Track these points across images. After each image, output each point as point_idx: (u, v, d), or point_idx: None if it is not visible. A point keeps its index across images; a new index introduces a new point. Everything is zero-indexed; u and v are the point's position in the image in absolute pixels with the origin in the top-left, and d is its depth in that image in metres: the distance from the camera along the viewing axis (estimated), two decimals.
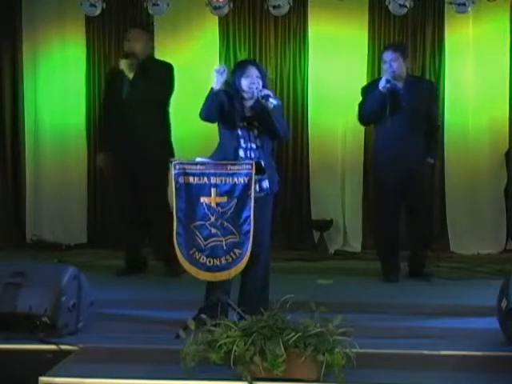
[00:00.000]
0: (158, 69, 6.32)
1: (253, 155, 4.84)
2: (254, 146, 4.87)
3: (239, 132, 4.87)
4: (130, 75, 6.17)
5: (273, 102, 4.77)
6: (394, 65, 6.05)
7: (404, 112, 6.03)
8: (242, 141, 4.86)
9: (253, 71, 4.89)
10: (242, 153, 4.86)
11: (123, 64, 6.21)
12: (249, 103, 4.91)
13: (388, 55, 6.11)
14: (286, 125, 5.20)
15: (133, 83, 6.19)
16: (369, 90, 6.20)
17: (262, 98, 4.79)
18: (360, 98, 6.25)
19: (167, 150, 6.19)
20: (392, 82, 5.98)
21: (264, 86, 4.86)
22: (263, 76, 4.92)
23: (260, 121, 4.84)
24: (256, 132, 4.87)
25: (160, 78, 6.27)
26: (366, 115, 6.21)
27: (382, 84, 5.96)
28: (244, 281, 4.87)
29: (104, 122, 6.74)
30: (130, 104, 6.21)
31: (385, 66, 6.13)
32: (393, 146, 6.10)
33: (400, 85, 6.08)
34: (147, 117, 6.22)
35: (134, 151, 6.19)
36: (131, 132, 6.20)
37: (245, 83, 4.87)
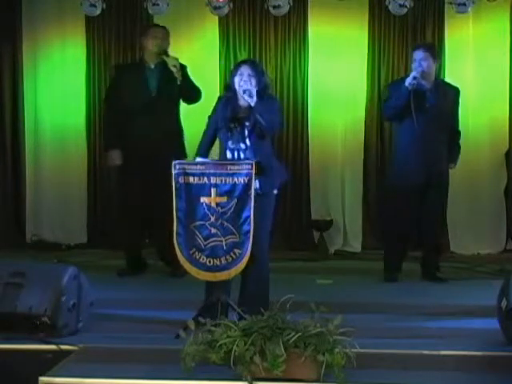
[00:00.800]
0: (184, 68, 6.27)
1: (242, 156, 4.82)
2: (242, 146, 4.84)
3: (228, 133, 4.86)
4: (179, 74, 6.06)
5: (252, 97, 4.76)
6: (423, 64, 6.01)
7: (429, 114, 6.00)
8: (229, 142, 4.86)
9: (244, 69, 4.89)
10: (229, 154, 4.86)
11: (175, 61, 6.09)
12: (243, 103, 4.90)
13: (418, 54, 6.07)
14: (278, 119, 5.00)
15: (181, 82, 6.09)
16: (395, 87, 6.18)
17: (244, 92, 4.81)
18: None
19: (183, 149, 6.20)
20: (419, 80, 5.95)
21: (258, 85, 4.84)
22: (258, 74, 4.88)
23: (253, 120, 4.83)
24: (246, 132, 4.85)
25: (190, 77, 6.27)
26: (389, 111, 6.18)
27: (408, 80, 5.93)
28: (244, 281, 4.86)
29: (116, 119, 6.34)
30: (156, 102, 6.18)
31: (414, 65, 6.07)
32: (414, 147, 6.03)
33: (427, 85, 6.05)
34: (171, 116, 6.22)
35: (153, 150, 6.04)
36: (152, 131, 6.12)
37: (236, 81, 4.88)
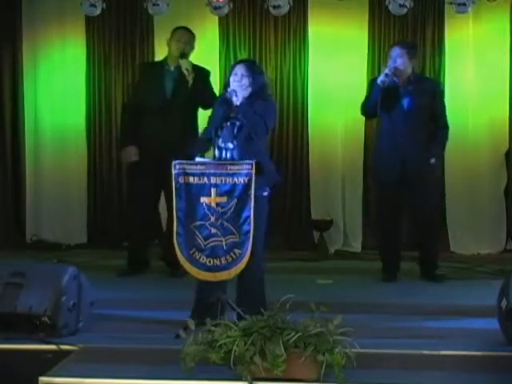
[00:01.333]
0: (204, 74, 6.29)
1: (229, 155, 4.79)
2: (230, 145, 4.81)
3: (219, 132, 4.85)
4: (190, 77, 6.07)
5: (235, 96, 4.78)
6: (398, 60, 6.03)
7: (403, 110, 6.03)
8: (219, 140, 4.83)
9: (238, 69, 4.87)
10: (217, 153, 4.84)
11: (187, 64, 6.12)
12: (236, 102, 4.89)
13: (395, 51, 6.11)
14: (269, 121, 4.92)
15: (191, 85, 6.10)
16: (373, 83, 6.20)
17: (229, 92, 4.83)
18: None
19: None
20: (390, 77, 5.98)
21: (253, 85, 4.83)
22: (253, 74, 4.85)
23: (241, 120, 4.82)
24: (235, 131, 4.82)
25: (209, 83, 6.30)
26: (364, 107, 6.24)
27: (380, 78, 5.99)
28: (240, 281, 4.82)
29: (133, 116, 6.37)
30: (172, 104, 6.18)
31: (389, 62, 6.11)
32: (393, 145, 6.08)
33: (401, 82, 6.06)
34: (185, 119, 6.19)
35: (163, 152, 5.84)
36: (165, 132, 6.11)
37: (231, 81, 4.89)
